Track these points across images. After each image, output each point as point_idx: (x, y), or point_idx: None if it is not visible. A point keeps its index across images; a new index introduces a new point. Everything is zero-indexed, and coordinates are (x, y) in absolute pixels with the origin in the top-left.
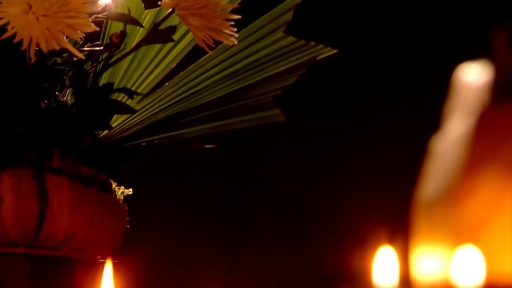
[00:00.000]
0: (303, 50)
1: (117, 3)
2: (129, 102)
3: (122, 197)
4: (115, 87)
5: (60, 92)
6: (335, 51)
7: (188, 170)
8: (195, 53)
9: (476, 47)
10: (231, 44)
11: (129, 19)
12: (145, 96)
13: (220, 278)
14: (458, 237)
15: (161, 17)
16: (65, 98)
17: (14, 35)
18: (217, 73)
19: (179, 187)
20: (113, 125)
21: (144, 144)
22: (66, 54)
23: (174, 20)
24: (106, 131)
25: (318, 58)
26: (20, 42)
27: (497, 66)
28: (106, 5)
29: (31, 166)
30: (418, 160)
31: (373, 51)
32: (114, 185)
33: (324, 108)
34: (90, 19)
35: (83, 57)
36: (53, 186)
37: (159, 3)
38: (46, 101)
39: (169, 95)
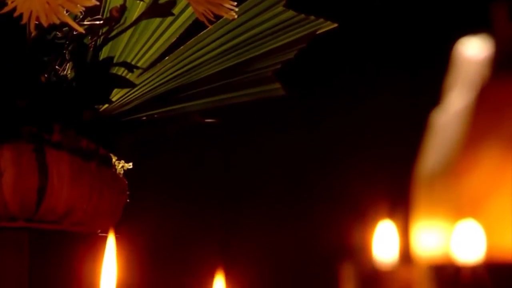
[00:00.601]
0: (303, 24)
1: None
2: (129, 76)
3: (122, 171)
4: (115, 61)
5: (60, 66)
6: (335, 25)
7: (188, 144)
8: (195, 27)
9: (476, 21)
10: (231, 18)
11: None
12: (145, 70)
13: (219, 251)
14: (458, 211)
15: None
16: (65, 72)
17: (14, 9)
18: (217, 47)
19: (179, 161)
20: (113, 99)
21: (144, 118)
22: (66, 28)
23: None
24: (106, 105)
25: (318, 32)
26: (20, 16)
27: (497, 40)
28: None
29: (31, 140)
30: (418, 134)
31: (372, 25)
32: (114, 159)
33: (324, 81)
34: None
35: (83, 31)
36: (53, 160)
37: None
38: (46, 75)
39: (169, 69)
